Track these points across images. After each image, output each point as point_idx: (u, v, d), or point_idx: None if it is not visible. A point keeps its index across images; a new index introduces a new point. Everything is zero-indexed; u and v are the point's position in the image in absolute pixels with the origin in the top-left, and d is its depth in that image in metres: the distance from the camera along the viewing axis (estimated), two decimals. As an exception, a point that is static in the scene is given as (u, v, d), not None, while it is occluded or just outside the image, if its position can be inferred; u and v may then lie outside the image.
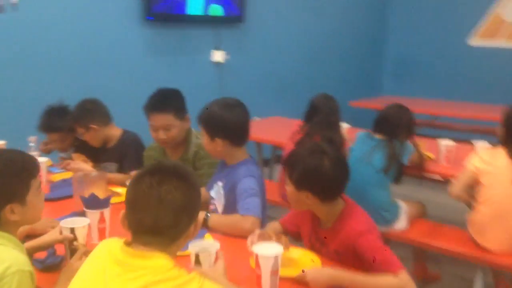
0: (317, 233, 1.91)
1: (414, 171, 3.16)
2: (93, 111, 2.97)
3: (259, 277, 1.61)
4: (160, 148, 2.80)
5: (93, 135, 2.96)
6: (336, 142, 3.30)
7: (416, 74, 7.40)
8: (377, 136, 3.05)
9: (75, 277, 1.36)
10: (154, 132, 2.64)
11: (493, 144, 2.97)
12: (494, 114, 4.46)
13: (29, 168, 1.58)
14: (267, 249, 1.63)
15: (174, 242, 1.33)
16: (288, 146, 3.25)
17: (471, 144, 3.32)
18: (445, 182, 3.18)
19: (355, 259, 1.76)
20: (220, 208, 2.29)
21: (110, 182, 2.70)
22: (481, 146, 3.19)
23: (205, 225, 2.14)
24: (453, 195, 2.78)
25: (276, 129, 4.39)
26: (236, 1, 5.21)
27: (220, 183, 2.31)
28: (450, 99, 6.42)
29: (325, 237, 1.87)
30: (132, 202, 1.33)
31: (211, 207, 2.34)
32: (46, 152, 3.27)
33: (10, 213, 1.52)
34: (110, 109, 3.08)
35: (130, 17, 4.56)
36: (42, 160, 2.74)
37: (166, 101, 2.65)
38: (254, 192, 2.16)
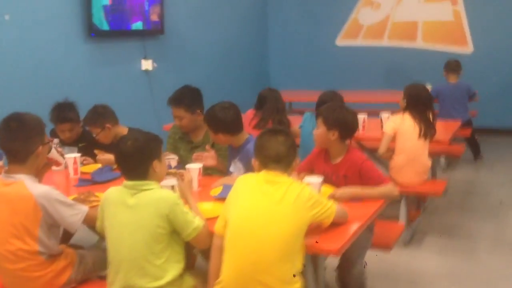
0: (329, 166, 2.89)
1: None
2: (106, 113, 3.62)
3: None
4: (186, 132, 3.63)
5: (107, 134, 3.60)
6: (285, 123, 4.35)
7: (295, 70, 8.72)
8: (319, 115, 4.13)
9: (234, 194, 2.22)
10: (174, 119, 3.51)
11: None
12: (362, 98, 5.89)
13: (161, 139, 2.38)
14: (312, 179, 2.59)
15: (288, 168, 2.25)
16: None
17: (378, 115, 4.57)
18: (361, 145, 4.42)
19: (359, 179, 2.78)
20: (240, 175, 3.16)
21: None
22: (385, 115, 4.44)
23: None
24: (380, 153, 3.96)
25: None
26: (157, 15, 6.00)
27: (236, 160, 3.19)
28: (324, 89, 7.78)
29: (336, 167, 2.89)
30: (261, 147, 2.24)
31: None
32: None
33: (154, 168, 2.26)
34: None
35: (76, 34, 5.13)
36: (75, 155, 3.36)
37: (179, 97, 3.50)
38: None
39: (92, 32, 5.24)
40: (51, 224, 2.33)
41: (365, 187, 2.72)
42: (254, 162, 2.31)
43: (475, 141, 6.17)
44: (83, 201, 2.69)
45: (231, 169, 3.22)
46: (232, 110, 3.17)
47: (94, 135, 3.61)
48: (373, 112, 4.75)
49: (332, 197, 2.62)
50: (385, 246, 2.91)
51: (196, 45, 6.83)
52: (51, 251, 2.37)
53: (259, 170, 2.26)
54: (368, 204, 2.60)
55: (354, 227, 2.31)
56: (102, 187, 3.08)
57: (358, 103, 6.65)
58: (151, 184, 2.24)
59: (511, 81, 7.52)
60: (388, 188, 2.72)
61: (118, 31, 5.57)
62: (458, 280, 3.43)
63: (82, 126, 3.82)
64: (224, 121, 3.10)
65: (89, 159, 3.60)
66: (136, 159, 2.24)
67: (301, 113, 6.64)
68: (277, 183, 2.17)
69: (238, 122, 3.18)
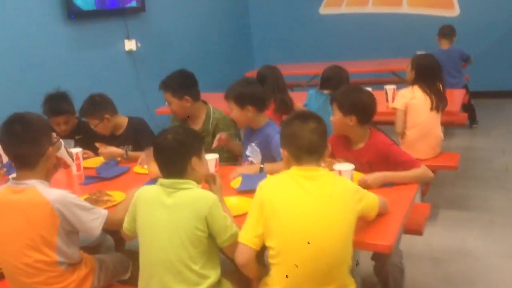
0: (351, 152, 2.73)
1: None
2: (104, 103, 3.37)
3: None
4: (181, 120, 3.41)
5: (106, 125, 3.36)
6: (288, 102, 4.16)
7: (279, 43, 8.48)
8: (325, 92, 3.95)
9: (269, 203, 1.96)
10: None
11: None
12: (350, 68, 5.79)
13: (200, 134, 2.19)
14: (344, 167, 2.42)
15: (321, 158, 2.06)
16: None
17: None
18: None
19: (385, 164, 2.63)
20: (257, 161, 3.00)
21: (132, 159, 3.24)
22: (390, 87, 4.29)
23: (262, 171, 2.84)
24: (399, 131, 3.81)
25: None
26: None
27: (253, 144, 3.01)
28: (310, 61, 7.62)
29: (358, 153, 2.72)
30: (292, 136, 2.02)
31: (246, 163, 3.05)
32: None
33: (193, 165, 2.08)
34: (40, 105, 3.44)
35: (54, 16, 4.79)
36: (77, 150, 3.12)
37: (167, 81, 3.30)
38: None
39: (72, 13, 4.89)
40: (70, 230, 2.14)
41: (396, 171, 2.56)
42: (283, 152, 2.10)
43: (471, 107, 6.07)
44: (96, 201, 2.53)
45: (248, 152, 3.05)
46: (258, 84, 3.09)
47: (93, 127, 3.37)
48: (363, 83, 4.56)
49: (364, 183, 2.47)
50: (416, 231, 2.78)
51: (177, 22, 6.53)
52: (70, 260, 2.19)
53: (289, 162, 2.05)
54: (401, 190, 2.45)
55: (399, 218, 2.15)
56: (111, 184, 2.91)
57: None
58: (190, 183, 2.07)
59: (498, 43, 7.45)
60: (421, 171, 2.57)
61: (99, 10, 5.22)
62: (480, 255, 3.35)
63: (77, 117, 3.56)
64: (256, 93, 2.97)
65: (89, 153, 3.36)
66: (176, 154, 2.08)
67: (291, 87, 6.53)
68: (318, 178, 1.99)
69: (264, 98, 3.05)
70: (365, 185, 2.44)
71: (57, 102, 3.46)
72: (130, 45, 5.66)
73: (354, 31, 7.97)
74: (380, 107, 4.16)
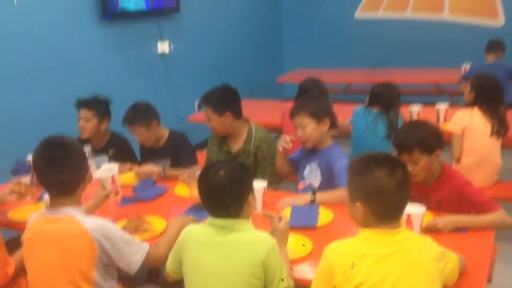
0: (418, 188, 2.43)
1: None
2: (151, 110, 3.20)
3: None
4: (221, 138, 3.17)
5: (151, 134, 3.18)
6: (332, 116, 3.89)
7: (310, 48, 8.19)
8: (374, 110, 3.69)
9: (341, 272, 1.63)
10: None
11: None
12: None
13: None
14: (414, 209, 2.15)
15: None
16: (288, 125, 3.71)
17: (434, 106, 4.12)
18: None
19: (456, 205, 2.37)
20: (316, 183, 2.77)
21: (170, 177, 3.02)
22: (443, 107, 4.01)
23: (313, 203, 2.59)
24: (456, 158, 3.50)
25: (256, 113, 4.41)
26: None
27: (314, 164, 2.79)
28: (342, 67, 7.32)
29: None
30: (373, 191, 1.67)
31: (302, 184, 2.81)
32: None
33: (249, 203, 1.87)
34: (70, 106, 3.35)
35: (90, 17, 4.58)
36: (114, 166, 2.90)
37: (208, 95, 3.07)
38: None
39: (107, 14, 4.67)
40: (107, 263, 1.97)
41: (470, 215, 2.30)
42: (359, 207, 1.70)
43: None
44: (135, 229, 2.36)
45: (306, 172, 2.83)
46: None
47: (137, 136, 3.17)
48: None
49: (434, 227, 2.21)
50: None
51: (210, 23, 6.26)
52: None
53: (366, 220, 1.70)
54: (477, 238, 2.19)
55: (481, 283, 1.88)
56: (149, 206, 2.70)
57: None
58: (246, 224, 1.87)
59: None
60: (499, 216, 2.30)
61: (134, 12, 4.99)
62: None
63: (109, 129, 3.38)
64: (329, 108, 2.87)
65: (135, 167, 3.15)
66: (231, 194, 1.85)
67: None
68: (402, 243, 1.66)
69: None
70: (435, 229, 2.21)
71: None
72: (163, 47, 5.42)
73: (391, 37, 7.64)
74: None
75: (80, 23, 4.50)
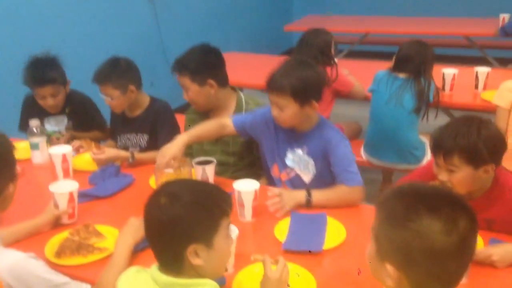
0: None
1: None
2: (131, 70, 2.57)
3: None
4: (202, 113, 2.52)
5: (126, 99, 2.55)
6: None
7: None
8: (401, 76, 2.99)
9: None
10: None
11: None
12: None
13: (221, 204, 1.28)
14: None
15: None
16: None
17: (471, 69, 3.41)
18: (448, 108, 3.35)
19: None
20: (307, 177, 2.15)
21: (142, 163, 2.45)
22: (483, 70, 3.30)
23: (309, 205, 1.99)
24: None
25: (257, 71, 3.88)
26: None
27: (299, 151, 2.14)
28: (360, 14, 6.53)
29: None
30: (425, 251, 1.06)
31: (285, 175, 2.20)
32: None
33: (194, 256, 1.24)
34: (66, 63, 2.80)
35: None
36: (63, 150, 2.30)
37: (182, 61, 2.39)
38: (352, 157, 2.10)
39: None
40: None
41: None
42: (391, 270, 1.11)
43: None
44: (77, 248, 1.74)
45: (290, 162, 2.18)
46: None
47: (107, 100, 2.54)
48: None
49: (487, 258, 1.60)
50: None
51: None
52: None
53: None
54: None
55: None
56: (108, 203, 2.10)
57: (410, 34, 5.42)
58: (204, 285, 1.25)
59: None
60: None
61: None
62: None
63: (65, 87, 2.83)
64: (318, 81, 2.08)
65: (88, 142, 2.53)
66: (166, 236, 1.25)
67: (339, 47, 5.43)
68: None
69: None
70: (488, 261, 1.60)
71: (40, 69, 2.68)
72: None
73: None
74: (464, 93, 3.28)
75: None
